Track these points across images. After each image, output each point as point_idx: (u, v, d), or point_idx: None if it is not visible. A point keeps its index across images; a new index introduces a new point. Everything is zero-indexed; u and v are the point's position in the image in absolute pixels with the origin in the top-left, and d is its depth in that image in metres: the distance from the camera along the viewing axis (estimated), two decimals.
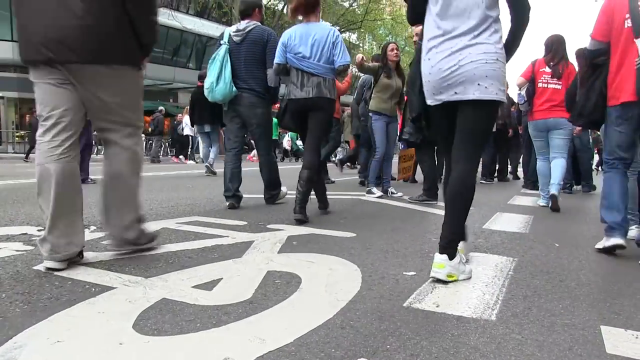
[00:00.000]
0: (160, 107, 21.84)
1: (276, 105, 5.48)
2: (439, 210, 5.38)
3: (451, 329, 1.91)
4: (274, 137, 10.59)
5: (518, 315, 2.10)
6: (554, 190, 5.80)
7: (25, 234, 3.47)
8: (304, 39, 4.48)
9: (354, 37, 40.98)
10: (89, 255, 2.87)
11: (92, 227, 3.76)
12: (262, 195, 5.63)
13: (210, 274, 2.54)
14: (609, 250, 3.40)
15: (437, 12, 2.70)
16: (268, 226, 4.03)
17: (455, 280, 2.57)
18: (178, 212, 4.64)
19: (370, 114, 6.64)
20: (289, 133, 26.41)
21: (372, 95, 6.62)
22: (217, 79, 4.98)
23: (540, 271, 2.88)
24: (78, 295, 2.15)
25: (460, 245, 2.72)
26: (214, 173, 10.17)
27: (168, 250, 3.06)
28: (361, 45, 44.12)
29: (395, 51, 6.62)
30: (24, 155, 18.75)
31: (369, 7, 32.91)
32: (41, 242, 2.59)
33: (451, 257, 2.56)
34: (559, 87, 5.77)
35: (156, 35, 2.89)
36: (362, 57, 6.11)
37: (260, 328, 1.85)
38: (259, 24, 5.15)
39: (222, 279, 2.47)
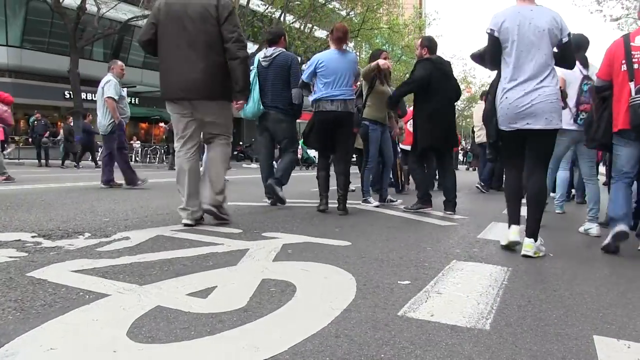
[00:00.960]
0: None
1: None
2: (434, 220, 5.39)
3: (445, 338, 1.92)
4: None
5: (512, 324, 2.11)
6: (559, 209, 6.82)
7: (19, 240, 3.45)
8: (333, 64, 5.49)
9: (351, 46, 41.11)
10: (83, 262, 2.86)
11: (87, 234, 3.75)
12: (259, 203, 5.64)
13: (205, 282, 2.54)
14: (616, 239, 3.94)
15: (512, 63, 3.66)
16: (263, 234, 4.03)
17: (539, 257, 3.65)
18: (173, 220, 4.63)
19: (367, 123, 6.61)
20: (300, 141, 26.72)
21: (367, 103, 6.57)
22: (248, 100, 5.57)
23: (534, 281, 2.89)
24: (72, 302, 2.14)
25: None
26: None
27: (163, 258, 3.05)
28: (358, 53, 44.26)
29: (388, 59, 6.70)
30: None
31: (365, 16, 33.06)
32: (181, 210, 4.35)
33: (535, 240, 3.66)
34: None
35: (247, 83, 4.50)
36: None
37: (255, 336, 1.85)
38: (284, 50, 6.06)
39: (216, 286, 2.46)
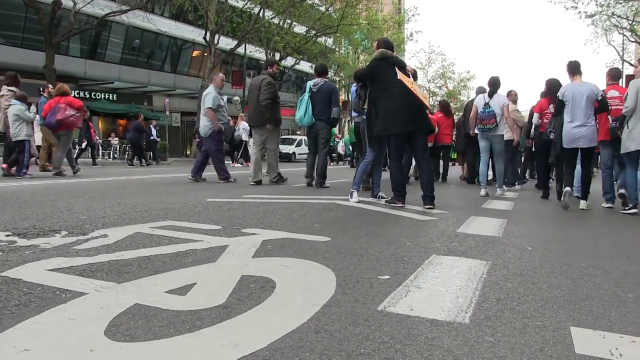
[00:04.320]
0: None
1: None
2: (413, 215, 5.42)
3: (425, 332, 1.92)
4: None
5: (491, 318, 2.13)
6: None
7: None
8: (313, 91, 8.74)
9: (330, 42, 41.09)
10: (59, 260, 2.82)
11: (64, 232, 3.69)
12: (238, 200, 5.63)
13: (184, 279, 2.51)
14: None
15: (570, 113, 6.80)
16: (243, 230, 4.01)
17: (587, 210, 6.72)
18: (151, 217, 4.59)
19: (365, 117, 6.59)
20: (343, 139, 30.90)
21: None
22: (304, 114, 8.71)
23: (513, 274, 2.92)
24: (48, 302, 2.11)
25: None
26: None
27: (141, 255, 3.02)
28: (337, 49, 44.25)
29: None
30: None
31: (345, 11, 33.03)
32: (250, 177, 9.09)
33: (586, 200, 6.84)
34: None
35: (280, 116, 9.27)
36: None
37: (234, 333, 1.83)
38: (327, 80, 8.99)
39: (195, 283, 2.45)
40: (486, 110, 8.38)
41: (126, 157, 21.32)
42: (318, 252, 3.27)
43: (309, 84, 8.85)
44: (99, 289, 2.31)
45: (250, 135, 18.11)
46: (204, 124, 9.52)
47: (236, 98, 32.05)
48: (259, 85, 8.88)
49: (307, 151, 9.65)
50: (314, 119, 8.70)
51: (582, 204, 6.77)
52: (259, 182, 8.95)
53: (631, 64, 34.62)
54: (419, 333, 1.91)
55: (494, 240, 4.02)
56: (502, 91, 8.86)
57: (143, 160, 20.26)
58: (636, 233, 4.99)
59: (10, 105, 10.19)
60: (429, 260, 3.18)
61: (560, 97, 6.91)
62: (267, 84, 8.83)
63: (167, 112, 29.60)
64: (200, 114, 9.75)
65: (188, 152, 33.09)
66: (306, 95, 8.75)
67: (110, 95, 31.13)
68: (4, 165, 10.35)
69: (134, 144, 20.09)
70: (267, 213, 5.10)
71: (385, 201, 6.36)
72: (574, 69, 7.01)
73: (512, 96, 10.60)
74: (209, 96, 9.46)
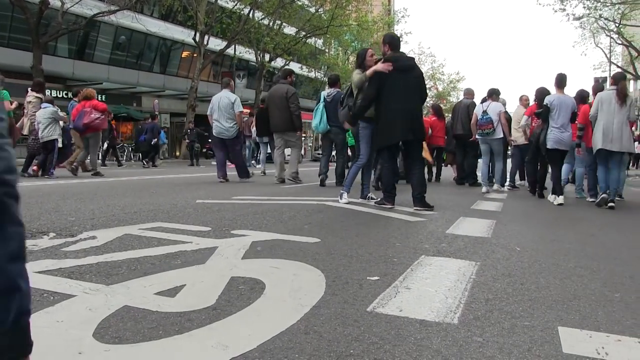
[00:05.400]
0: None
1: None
2: (403, 216, 5.44)
3: (414, 332, 1.93)
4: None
5: (480, 318, 2.14)
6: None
7: None
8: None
9: (319, 43, 41.10)
10: (47, 262, 2.80)
11: (52, 234, 3.67)
12: (228, 201, 5.63)
13: (173, 281, 2.51)
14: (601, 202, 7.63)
15: (555, 119, 7.82)
16: (232, 232, 4.00)
17: (561, 205, 7.48)
18: (141, 218, 4.57)
19: (359, 121, 6.65)
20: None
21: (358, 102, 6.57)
22: (319, 122, 9.58)
23: (501, 275, 2.94)
24: (35, 304, 2.09)
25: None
26: (264, 174, 13.51)
27: (130, 257, 3.01)
28: (327, 50, 44.27)
29: (375, 56, 6.72)
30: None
31: (334, 13, 33.06)
32: (275, 177, 10.27)
33: (560, 196, 7.66)
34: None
35: (301, 122, 10.15)
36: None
37: (224, 334, 1.83)
38: (339, 90, 9.57)
39: (185, 285, 2.44)
40: (484, 117, 9.63)
41: (140, 159, 21.52)
42: (307, 254, 3.27)
43: (323, 94, 9.77)
44: (88, 291, 2.30)
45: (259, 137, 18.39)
46: (228, 127, 10.05)
47: None
48: (285, 95, 9.79)
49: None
50: (328, 126, 9.56)
51: (556, 198, 7.78)
52: (282, 181, 9.99)
53: (618, 66, 34.97)
54: (408, 334, 1.92)
55: (483, 241, 4.05)
56: (514, 97, 9.56)
57: (152, 161, 20.46)
58: (624, 234, 5.04)
59: (40, 109, 10.66)
60: (418, 261, 3.19)
61: (547, 104, 7.91)
62: (294, 95, 9.93)
63: (157, 113, 29.47)
64: (214, 117, 10.15)
65: (177, 154, 32.94)
66: (321, 105, 9.63)
67: (99, 96, 30.71)
68: (35, 167, 10.73)
69: (149, 145, 20.27)
70: (257, 214, 5.09)
71: (375, 202, 6.38)
72: (562, 82, 8.08)
73: (524, 101, 11.26)
74: (238, 101, 10.24)
